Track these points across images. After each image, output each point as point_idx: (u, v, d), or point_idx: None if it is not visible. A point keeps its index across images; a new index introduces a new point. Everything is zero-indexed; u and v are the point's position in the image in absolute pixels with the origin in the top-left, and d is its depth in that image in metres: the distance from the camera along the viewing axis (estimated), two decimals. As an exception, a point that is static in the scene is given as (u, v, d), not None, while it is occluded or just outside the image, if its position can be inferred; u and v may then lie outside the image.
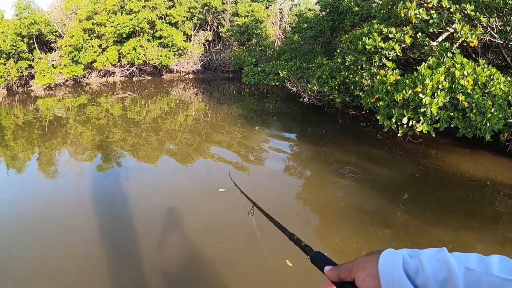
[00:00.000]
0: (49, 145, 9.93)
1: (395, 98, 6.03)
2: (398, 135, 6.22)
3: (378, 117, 6.34)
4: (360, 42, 7.48)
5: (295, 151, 7.84)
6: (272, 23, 21.95)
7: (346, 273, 0.78)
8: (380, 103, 6.40)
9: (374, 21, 8.22)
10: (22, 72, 22.14)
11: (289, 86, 11.50)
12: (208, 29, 22.51)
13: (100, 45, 21.27)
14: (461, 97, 5.57)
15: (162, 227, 4.67)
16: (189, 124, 10.79)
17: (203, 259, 4.02)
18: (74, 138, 10.43)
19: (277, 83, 12.79)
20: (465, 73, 5.82)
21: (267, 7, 23.18)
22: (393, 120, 6.05)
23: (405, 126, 5.96)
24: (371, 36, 7.32)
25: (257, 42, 20.43)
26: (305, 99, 10.76)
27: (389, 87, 6.39)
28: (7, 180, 7.22)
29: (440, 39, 7.26)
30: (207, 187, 5.86)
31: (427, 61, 6.48)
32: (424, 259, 0.67)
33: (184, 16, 21.15)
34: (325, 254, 0.90)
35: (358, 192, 5.56)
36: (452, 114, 5.76)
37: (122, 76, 22.30)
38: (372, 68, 7.70)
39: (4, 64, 21.51)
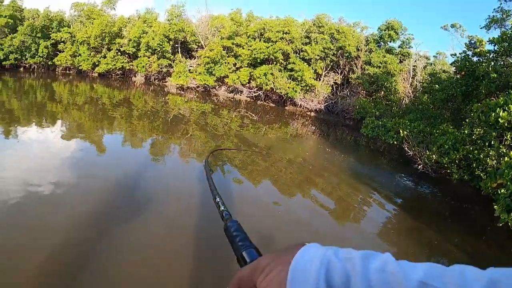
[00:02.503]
0: (166, 135, 11.40)
1: (522, 189, 5.43)
2: None
3: (495, 207, 5.73)
4: (493, 114, 6.86)
5: (391, 214, 7.27)
6: (404, 79, 21.35)
7: (247, 278, 0.62)
8: (502, 190, 5.75)
9: None
10: (161, 69, 25.58)
11: (407, 148, 10.98)
12: (339, 72, 22.82)
13: (235, 64, 23.40)
14: None
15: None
16: (298, 159, 10.86)
17: None
18: (189, 137, 11.61)
19: (395, 142, 12.35)
20: None
21: (400, 61, 22.80)
22: None
23: None
24: (507, 109, 6.69)
25: (384, 96, 20.03)
26: (419, 166, 10.19)
27: (516, 175, 5.78)
28: (118, 149, 9.08)
29: None
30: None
31: None
32: (358, 264, 0.55)
33: (317, 55, 21.82)
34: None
35: None
36: None
37: (248, 96, 23.89)
38: (501, 146, 7.00)
39: (148, 58, 24.72)
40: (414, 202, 8.48)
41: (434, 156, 9.40)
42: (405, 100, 19.80)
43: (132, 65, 26.61)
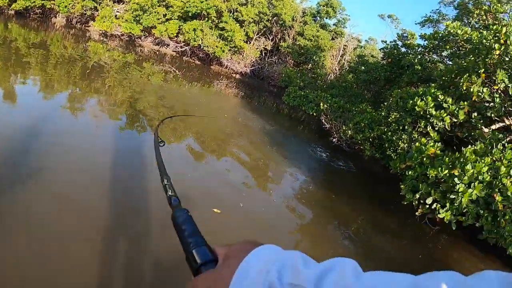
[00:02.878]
0: (83, 86, 10.36)
1: (427, 172, 5.41)
2: (416, 213, 5.60)
3: (402, 186, 5.74)
4: (411, 101, 6.91)
5: (302, 186, 7.16)
6: (333, 55, 21.60)
7: None
8: (410, 172, 5.78)
9: (433, 84, 7.63)
10: (86, 11, 23.12)
11: (324, 121, 10.99)
12: (270, 39, 22.42)
13: (165, 14, 21.80)
14: (498, 197, 4.91)
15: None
16: (217, 118, 10.64)
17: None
18: (107, 91, 10.80)
19: (314, 114, 12.37)
20: (512, 173, 5.18)
21: (333, 39, 22.97)
22: (417, 195, 5.42)
23: (427, 206, 5.33)
24: (424, 99, 6.72)
25: (311, 68, 20.08)
26: (334, 140, 10.24)
27: (424, 159, 5.77)
28: (32, 99, 8.04)
29: (494, 126, 6.63)
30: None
31: (474, 146, 5.85)
32: (310, 279, 0.45)
33: (252, 18, 21.18)
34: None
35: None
36: (482, 212, 5.09)
37: (174, 51, 22.72)
38: (414, 132, 7.10)
39: None
40: (326, 174, 8.52)
41: (349, 131, 9.49)
42: (331, 77, 20.06)
43: (54, 4, 23.46)
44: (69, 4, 22.87)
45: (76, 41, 19.90)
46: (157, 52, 22.18)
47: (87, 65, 13.82)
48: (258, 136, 9.71)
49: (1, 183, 4.01)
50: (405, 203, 5.67)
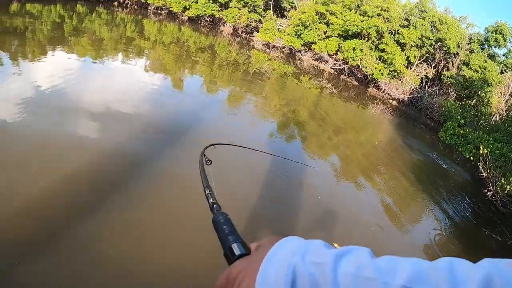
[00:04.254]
0: (242, 88, 11.99)
1: None
2: None
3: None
4: None
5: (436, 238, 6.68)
6: (500, 92, 19.24)
7: (223, 284, 0.59)
8: None
9: None
10: (251, 22, 25.67)
11: (481, 168, 9.96)
12: (432, 66, 21.29)
13: (325, 31, 22.75)
14: None
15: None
16: (369, 144, 10.84)
17: None
18: (264, 96, 12.06)
19: (471, 158, 11.42)
20: None
21: (502, 72, 20.44)
22: None
23: None
24: None
25: (475, 105, 18.40)
26: (488, 193, 9.15)
27: None
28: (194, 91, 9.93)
29: None
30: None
31: None
32: (328, 269, 0.49)
33: (413, 41, 20.46)
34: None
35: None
36: None
37: (333, 68, 23.22)
38: None
39: (239, 9, 24.97)
40: (464, 230, 7.56)
41: (508, 187, 8.46)
42: (496, 117, 17.97)
43: (222, 14, 26.89)
44: (236, 15, 26.07)
45: (240, 48, 22.46)
46: (316, 67, 22.99)
47: (249, 70, 15.27)
48: (403, 171, 9.46)
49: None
50: None
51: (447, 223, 7.37)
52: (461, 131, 12.70)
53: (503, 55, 21.59)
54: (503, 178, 9.02)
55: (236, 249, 0.68)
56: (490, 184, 9.38)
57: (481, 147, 10.67)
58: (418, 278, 0.44)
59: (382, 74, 20.08)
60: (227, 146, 2.25)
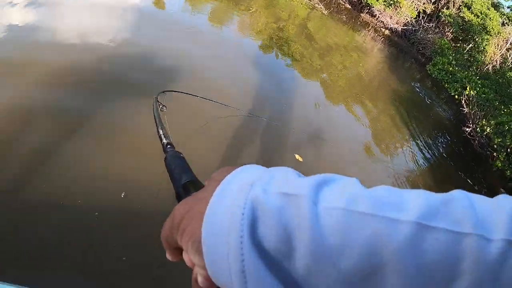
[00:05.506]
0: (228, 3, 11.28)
1: None
2: None
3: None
4: None
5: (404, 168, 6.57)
6: (497, 44, 18.65)
7: (170, 236, 0.44)
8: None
9: None
10: None
11: (464, 103, 9.58)
12: (432, 1, 20.10)
13: None
14: None
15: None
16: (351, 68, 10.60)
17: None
18: (252, 13, 11.49)
19: (456, 96, 10.91)
20: None
21: (503, 24, 19.33)
22: None
23: None
24: None
25: (469, 50, 17.58)
26: (467, 130, 8.76)
27: None
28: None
29: None
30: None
31: None
32: (305, 204, 0.33)
33: (416, -29, 19.22)
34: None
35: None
36: None
37: None
38: None
39: None
40: (438, 168, 7.52)
41: (488, 129, 8.02)
42: (489, 67, 17.29)
43: None
44: None
45: None
46: None
47: None
48: (385, 103, 9.18)
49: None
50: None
51: (423, 158, 7.23)
52: (450, 68, 12.12)
53: (508, 7, 20.52)
54: (484, 119, 8.58)
55: (192, 186, 0.60)
56: (470, 122, 9.05)
57: (468, 87, 10.24)
58: (433, 212, 0.31)
59: (377, 0, 18.98)
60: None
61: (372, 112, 8.01)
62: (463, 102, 9.65)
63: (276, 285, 0.33)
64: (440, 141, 8.62)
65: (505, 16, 19.76)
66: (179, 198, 0.60)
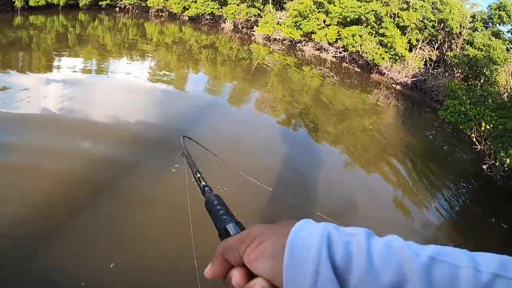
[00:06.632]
0: (245, 83, 12.33)
1: None
2: None
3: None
4: None
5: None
6: (509, 71, 18.57)
7: (233, 249, 0.56)
8: None
9: None
10: (250, 17, 26.76)
11: (476, 140, 9.73)
12: (435, 47, 20.98)
13: (324, 20, 22.53)
14: None
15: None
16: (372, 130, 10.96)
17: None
18: (268, 89, 12.28)
19: (473, 135, 11.12)
20: None
21: (508, 50, 19.70)
22: None
23: None
24: None
25: (481, 85, 17.77)
26: (484, 167, 8.78)
27: None
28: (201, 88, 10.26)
29: None
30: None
31: None
32: (362, 239, 0.51)
33: (414, 23, 20.21)
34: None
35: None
36: None
37: (334, 56, 23.10)
38: None
39: (238, 5, 26.51)
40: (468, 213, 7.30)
41: (508, 160, 7.87)
42: (504, 96, 17.08)
43: (222, 11, 27.24)
44: (235, 11, 26.37)
45: (242, 44, 22.99)
46: (317, 57, 23.00)
47: (252, 64, 16.24)
48: (407, 158, 9.38)
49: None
50: None
51: (449, 208, 7.06)
52: (462, 108, 12.09)
53: (508, 32, 20.83)
54: (501, 151, 8.43)
55: (232, 229, 0.66)
56: (487, 158, 9.06)
57: (483, 123, 10.20)
58: (442, 253, 0.48)
59: (383, 58, 19.81)
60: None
61: (393, 172, 8.10)
62: (473, 139, 9.80)
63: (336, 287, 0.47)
64: (463, 186, 8.45)
65: (507, 41, 20.19)
66: (221, 236, 0.65)
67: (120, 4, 28.90)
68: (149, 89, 9.42)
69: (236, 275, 0.54)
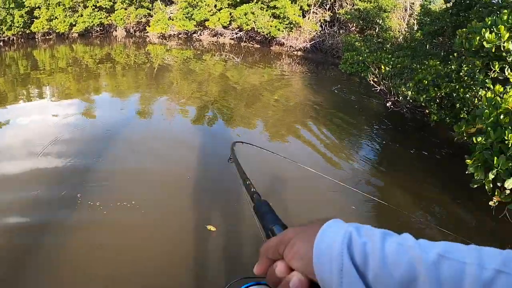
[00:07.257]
0: (150, 88, 12.00)
1: (506, 138, 3.54)
2: (491, 203, 3.70)
3: (468, 161, 3.86)
4: (477, 37, 4.83)
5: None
6: (399, 17, 18.83)
7: (274, 249, 0.62)
8: (479, 138, 3.87)
9: (505, 11, 5.14)
10: (140, 19, 24.63)
11: (373, 83, 9.60)
12: (327, 8, 20.65)
13: (216, 5, 21.65)
14: None
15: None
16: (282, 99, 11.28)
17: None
18: (174, 88, 12.15)
19: (375, 79, 10.41)
20: None
21: None
22: (491, 175, 3.53)
23: (507, 192, 3.45)
24: (495, 30, 4.64)
25: (377, 33, 17.73)
26: (388, 104, 8.69)
27: (502, 116, 3.84)
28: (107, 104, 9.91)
29: None
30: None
31: None
32: (377, 239, 0.54)
33: (303, -10, 19.71)
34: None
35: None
36: None
37: (232, 39, 22.54)
38: (487, 81, 4.95)
39: (125, 9, 24.26)
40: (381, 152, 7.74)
41: (409, 92, 7.61)
42: (401, 39, 17.19)
43: (111, 19, 24.73)
44: (124, 16, 24.22)
45: (138, 48, 21.80)
46: (216, 43, 22.47)
47: (152, 66, 15.94)
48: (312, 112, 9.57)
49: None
50: (474, 186, 3.77)
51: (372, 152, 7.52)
52: (360, 58, 11.71)
53: None
54: (402, 86, 8.25)
55: (276, 231, 0.72)
56: (388, 95, 8.99)
57: (382, 66, 9.90)
58: (450, 250, 0.50)
59: (279, 29, 19.50)
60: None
61: (312, 134, 8.22)
62: (370, 81, 9.71)
63: (358, 282, 0.50)
64: (377, 128, 8.98)
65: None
66: (269, 237, 0.72)
67: (4, 38, 25.14)
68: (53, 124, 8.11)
69: (280, 267, 0.60)
